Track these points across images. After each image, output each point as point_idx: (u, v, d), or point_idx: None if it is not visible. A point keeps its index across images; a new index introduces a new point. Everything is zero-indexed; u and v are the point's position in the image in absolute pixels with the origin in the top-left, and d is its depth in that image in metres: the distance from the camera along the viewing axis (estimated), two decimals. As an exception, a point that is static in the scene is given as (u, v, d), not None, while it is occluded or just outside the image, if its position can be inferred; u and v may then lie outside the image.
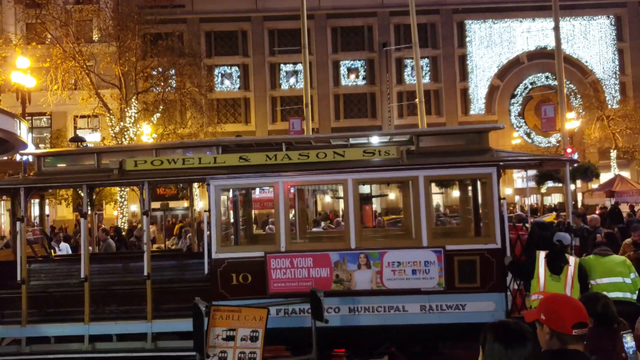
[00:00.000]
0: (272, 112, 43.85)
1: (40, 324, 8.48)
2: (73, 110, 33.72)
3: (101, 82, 26.51)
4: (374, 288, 8.03)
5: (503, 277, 8.06)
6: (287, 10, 39.30)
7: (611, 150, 38.96)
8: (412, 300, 8.03)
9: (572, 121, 30.20)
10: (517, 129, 44.84)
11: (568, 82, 41.24)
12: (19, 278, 8.30)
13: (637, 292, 7.39)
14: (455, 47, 44.84)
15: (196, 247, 11.59)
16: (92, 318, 8.34)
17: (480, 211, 9.52)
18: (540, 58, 44.05)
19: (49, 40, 26.36)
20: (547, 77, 44.56)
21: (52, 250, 11.12)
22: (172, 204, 36.95)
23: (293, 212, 10.90)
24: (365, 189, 17.22)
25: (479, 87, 44.93)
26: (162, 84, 28.03)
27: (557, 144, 39.68)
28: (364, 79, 44.96)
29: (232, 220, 10.19)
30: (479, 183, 9.60)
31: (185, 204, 41.12)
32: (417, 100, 22.83)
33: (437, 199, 31.74)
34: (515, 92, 45.34)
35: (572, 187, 24.06)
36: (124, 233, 19.66)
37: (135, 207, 37.84)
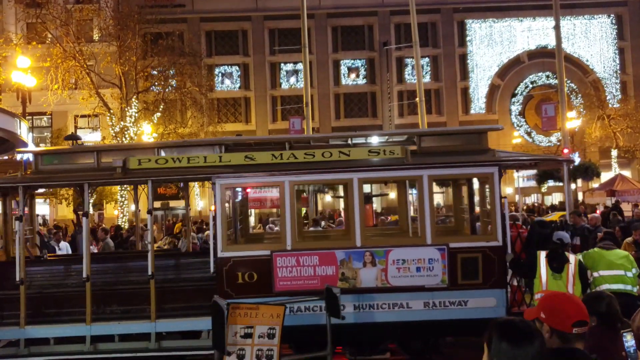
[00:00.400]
0: (272, 112, 43.84)
1: (40, 325, 8.33)
2: (73, 110, 33.77)
3: (101, 81, 26.52)
4: (379, 285, 8.16)
5: (504, 274, 8.26)
6: (287, 9, 39.28)
7: (612, 150, 38.93)
8: (416, 297, 8.17)
9: (572, 120, 30.17)
10: (517, 128, 44.80)
11: (569, 81, 41.20)
12: (17, 278, 8.15)
13: (638, 286, 7.60)
14: (456, 46, 44.80)
15: (190, 247, 11.52)
16: (93, 319, 8.25)
17: (478, 210, 9.63)
18: (541, 57, 44.00)
19: (49, 39, 26.38)
20: (547, 76, 44.51)
21: (45, 250, 11.02)
22: (172, 203, 36.93)
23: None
24: (364, 188, 17.24)
25: (479, 87, 44.89)
26: (163, 83, 28.05)
27: (558, 143, 39.63)
28: (364, 78, 44.94)
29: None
30: (476, 182, 9.77)
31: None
32: (417, 99, 22.83)
33: (437, 198, 31.70)
34: (516, 92, 45.30)
35: (573, 186, 24.06)
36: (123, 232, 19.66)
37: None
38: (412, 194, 11.65)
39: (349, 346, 8.67)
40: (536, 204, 38.18)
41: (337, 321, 7.58)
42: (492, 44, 44.80)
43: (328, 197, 35.83)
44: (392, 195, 32.89)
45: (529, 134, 44.82)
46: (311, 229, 14.43)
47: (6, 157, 21.54)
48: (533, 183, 37.15)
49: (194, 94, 28.98)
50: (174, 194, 35.57)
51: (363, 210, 8.64)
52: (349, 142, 9.25)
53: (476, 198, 10.23)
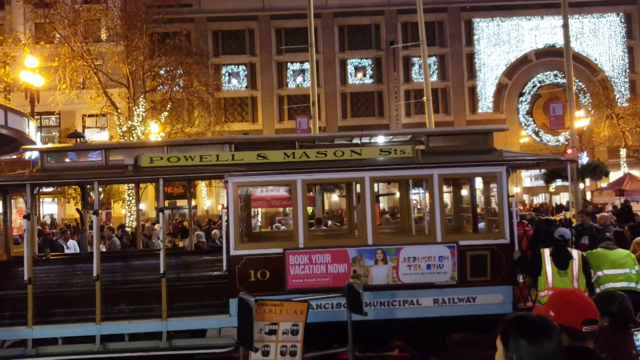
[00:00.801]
0: (279, 111, 43.88)
1: (48, 325, 8.20)
2: (81, 109, 33.92)
3: (109, 81, 26.61)
4: (390, 283, 8.26)
5: (511, 271, 8.42)
6: (294, 9, 39.27)
7: (621, 149, 38.71)
8: (426, 294, 8.29)
9: (581, 119, 30.02)
10: (525, 127, 44.63)
11: (577, 80, 40.98)
12: (25, 277, 8.05)
13: (638, 283, 7.79)
14: (463, 45, 44.68)
15: (193, 245, 11.51)
16: (102, 318, 8.17)
17: (481, 208, 9.72)
18: (549, 56, 43.81)
19: (57, 39, 26.50)
20: (555, 75, 44.30)
21: (48, 250, 10.97)
22: (180, 202, 37.08)
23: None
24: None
25: (486, 86, 44.74)
26: (170, 83, 28.12)
27: (566, 143, 39.45)
28: (371, 77, 44.88)
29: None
30: (477, 181, 9.93)
31: (193, 202, 41.30)
32: (424, 98, 22.76)
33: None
34: (524, 91, 45.11)
35: (582, 185, 23.94)
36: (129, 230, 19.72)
37: (143, 206, 38.00)
38: (416, 194, 11.70)
39: (359, 343, 8.71)
40: (543, 205, 37.99)
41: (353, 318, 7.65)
42: (499, 43, 44.63)
43: (335, 197, 35.83)
44: (398, 194, 32.87)
45: (536, 133, 44.62)
46: (312, 228, 14.45)
47: (15, 157, 21.68)
48: (541, 182, 37.08)
49: (201, 93, 29.04)
50: (181, 193, 35.72)
51: (374, 209, 8.74)
52: (353, 141, 9.38)
53: (478, 197, 10.43)
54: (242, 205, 10.78)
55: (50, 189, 28.34)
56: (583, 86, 43.12)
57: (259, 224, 31.33)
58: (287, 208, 25.73)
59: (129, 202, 26.65)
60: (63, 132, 35.60)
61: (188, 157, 8.44)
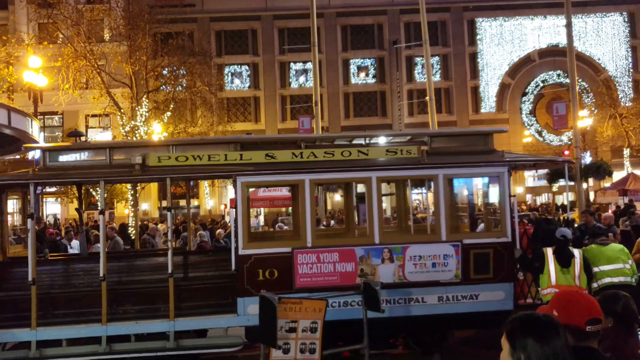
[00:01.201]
0: (281, 111, 43.87)
1: (53, 327, 8.07)
2: (84, 109, 33.94)
3: (112, 81, 26.64)
4: (396, 281, 8.39)
5: (512, 268, 8.68)
6: (297, 8, 39.27)
7: (624, 149, 38.60)
8: (431, 292, 8.47)
9: (584, 119, 29.95)
10: (528, 127, 44.57)
11: (580, 80, 40.88)
12: (30, 278, 7.93)
13: (635, 276, 8.13)
14: (466, 45, 44.62)
15: (191, 245, 11.47)
16: (108, 319, 8.09)
17: (478, 208, 9.86)
18: (552, 56, 43.73)
19: (60, 39, 26.54)
20: (558, 75, 44.22)
21: (47, 250, 10.85)
22: (182, 202, 37.05)
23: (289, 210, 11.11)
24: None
25: (489, 85, 44.67)
26: (173, 83, 28.14)
27: (569, 143, 39.38)
28: (374, 77, 44.85)
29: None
30: (475, 181, 10.11)
31: (196, 202, 41.31)
32: (427, 98, 22.73)
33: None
34: (527, 90, 45.04)
35: (585, 185, 23.88)
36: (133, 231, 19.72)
37: (146, 206, 38.03)
38: (418, 194, 11.83)
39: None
40: (543, 204, 37.90)
41: (358, 316, 7.74)
42: (502, 42, 44.56)
43: (338, 197, 35.81)
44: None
45: (539, 133, 44.55)
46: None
47: (18, 157, 21.73)
48: (544, 182, 36.98)
49: (203, 93, 29.05)
50: (183, 193, 35.67)
51: (381, 208, 8.90)
52: (354, 142, 9.48)
53: (476, 197, 10.65)
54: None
55: (53, 189, 28.39)
56: (586, 86, 43.01)
57: (261, 224, 31.34)
58: (288, 208, 25.70)
59: (132, 202, 26.67)
60: (66, 132, 35.66)
61: (196, 157, 8.43)
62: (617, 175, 32.22)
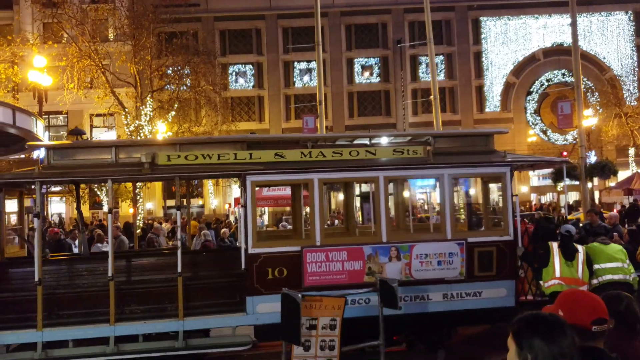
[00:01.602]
0: (285, 110, 43.88)
1: (59, 327, 7.96)
2: (89, 109, 34.05)
3: (116, 80, 26.71)
4: (402, 279, 8.45)
5: (514, 266, 8.88)
6: (301, 8, 39.26)
7: (629, 148, 38.45)
8: (437, 289, 8.60)
9: (589, 118, 29.84)
10: (533, 126, 44.45)
11: (585, 79, 40.73)
12: (36, 278, 7.82)
13: (632, 274, 8.41)
14: (471, 44, 44.52)
15: (192, 245, 11.41)
16: (116, 319, 8.01)
17: (474, 207, 10.03)
18: (557, 55, 43.59)
19: (65, 39, 26.63)
20: (563, 74, 44.08)
21: (47, 250, 10.70)
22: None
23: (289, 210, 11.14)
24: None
25: (494, 85, 44.58)
26: (177, 82, 28.18)
27: (574, 142, 39.30)
28: (378, 76, 44.79)
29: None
30: (473, 181, 10.30)
31: (200, 201, 41.36)
32: (431, 97, 22.68)
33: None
34: (531, 90, 44.92)
35: (590, 184, 23.81)
36: (138, 230, 19.73)
37: (151, 205, 38.06)
38: (423, 193, 11.98)
39: (369, 339, 8.78)
40: (544, 204, 37.77)
41: (367, 314, 7.84)
42: (507, 41, 44.45)
43: (341, 196, 35.76)
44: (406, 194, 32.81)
45: (544, 132, 44.43)
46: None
47: (23, 156, 21.81)
48: (549, 182, 36.85)
49: (208, 92, 29.09)
50: (188, 192, 35.69)
51: (388, 207, 9.03)
52: (355, 142, 9.56)
53: (473, 196, 10.85)
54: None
55: (58, 188, 28.46)
56: (591, 85, 42.87)
57: (266, 223, 31.35)
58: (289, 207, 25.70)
59: (141, 201, 26.72)
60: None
61: (206, 156, 8.44)
62: (622, 175, 32.11)
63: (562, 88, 42.97)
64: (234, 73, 43.73)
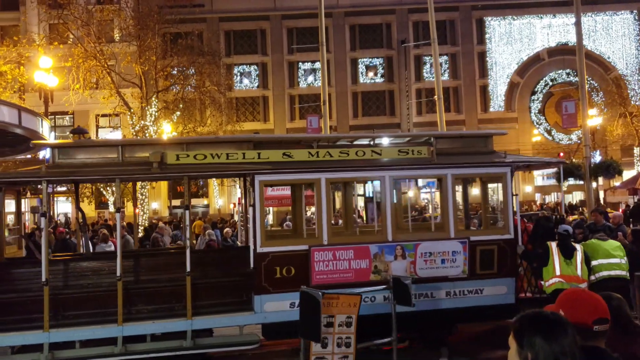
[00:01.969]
0: (290, 110, 43.91)
1: (66, 328, 7.90)
2: (95, 109, 34.18)
3: (122, 81, 26.79)
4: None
5: (514, 264, 9.14)
6: (305, 8, 39.31)
7: (634, 147, 38.31)
8: (440, 287, 8.78)
9: (593, 118, 29.77)
10: (537, 126, 44.35)
11: (590, 79, 40.62)
12: (43, 279, 7.79)
13: (628, 269, 8.63)
14: (475, 44, 44.46)
15: (195, 245, 11.42)
16: (123, 319, 7.96)
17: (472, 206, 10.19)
18: (561, 54, 43.47)
19: (71, 40, 26.72)
20: (568, 74, 43.97)
21: (49, 250, 10.66)
22: (193, 201, 37.18)
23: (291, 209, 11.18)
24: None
25: (498, 84, 44.49)
26: (182, 82, 28.26)
27: (579, 141, 39.22)
28: (382, 76, 44.77)
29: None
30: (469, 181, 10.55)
31: (205, 201, 41.45)
32: (435, 97, 22.69)
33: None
34: (536, 89, 44.82)
35: (594, 184, 23.78)
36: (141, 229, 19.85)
37: (156, 205, 38.16)
38: (427, 193, 12.15)
39: (373, 336, 8.85)
40: (547, 204, 37.69)
41: (371, 312, 7.92)
42: (511, 41, 44.36)
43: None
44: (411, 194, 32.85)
45: (548, 132, 44.32)
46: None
47: (29, 156, 21.91)
48: (553, 181, 36.79)
49: (212, 93, 29.15)
50: (193, 192, 35.84)
51: (393, 207, 9.16)
52: (355, 142, 9.70)
53: (471, 196, 11.13)
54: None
55: (64, 188, 28.57)
56: (596, 84, 42.73)
57: (270, 222, 31.41)
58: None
59: (142, 201, 26.81)
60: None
61: (215, 155, 8.49)
62: (627, 174, 32.02)
63: (566, 88, 42.86)
64: (238, 73, 43.79)
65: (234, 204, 38.03)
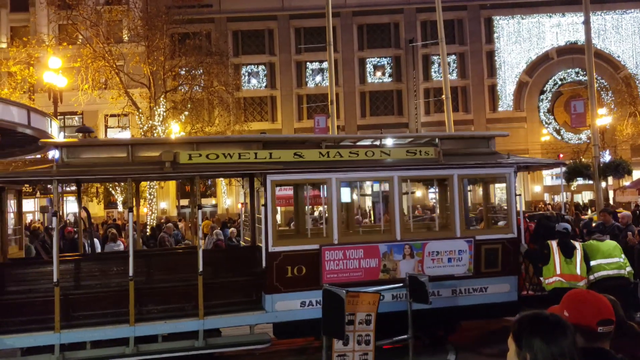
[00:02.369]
0: (298, 110, 43.94)
1: (77, 329, 7.86)
2: (103, 109, 34.35)
3: (130, 81, 26.92)
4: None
5: (517, 262, 9.35)
6: (313, 8, 39.32)
7: (644, 147, 38.06)
8: (446, 285, 8.94)
9: (603, 117, 29.59)
10: (546, 125, 44.12)
11: (599, 78, 40.38)
12: (54, 279, 7.73)
13: (627, 268, 8.72)
14: (483, 43, 44.29)
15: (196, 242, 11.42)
16: (135, 319, 7.93)
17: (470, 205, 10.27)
18: (570, 53, 43.24)
19: (79, 40, 26.87)
20: (577, 73, 43.71)
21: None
22: (203, 200, 37.20)
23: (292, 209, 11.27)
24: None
25: (507, 84, 44.31)
26: (190, 82, 28.35)
27: (588, 141, 38.98)
28: (390, 76, 44.70)
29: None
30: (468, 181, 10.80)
31: (213, 201, 41.55)
32: (443, 96, 22.64)
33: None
34: (545, 89, 44.59)
35: (604, 184, 23.64)
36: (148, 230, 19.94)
37: (164, 204, 38.29)
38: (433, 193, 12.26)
39: (381, 333, 8.88)
40: (567, 203, 37.44)
41: (391, 309, 7.95)
42: (520, 40, 44.16)
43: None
44: (419, 193, 32.75)
45: (557, 131, 44.09)
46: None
47: (39, 156, 22.07)
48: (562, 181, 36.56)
49: (220, 93, 29.22)
50: (201, 191, 35.88)
51: (402, 206, 9.28)
52: (359, 143, 9.85)
53: (470, 195, 11.30)
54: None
55: (73, 187, 28.72)
56: (605, 84, 42.48)
57: (279, 222, 31.43)
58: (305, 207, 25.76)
59: (150, 201, 26.94)
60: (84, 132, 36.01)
61: (227, 155, 8.54)
62: (637, 174, 31.81)
63: (575, 87, 42.64)
64: (246, 73, 43.87)
65: (242, 203, 38.11)
